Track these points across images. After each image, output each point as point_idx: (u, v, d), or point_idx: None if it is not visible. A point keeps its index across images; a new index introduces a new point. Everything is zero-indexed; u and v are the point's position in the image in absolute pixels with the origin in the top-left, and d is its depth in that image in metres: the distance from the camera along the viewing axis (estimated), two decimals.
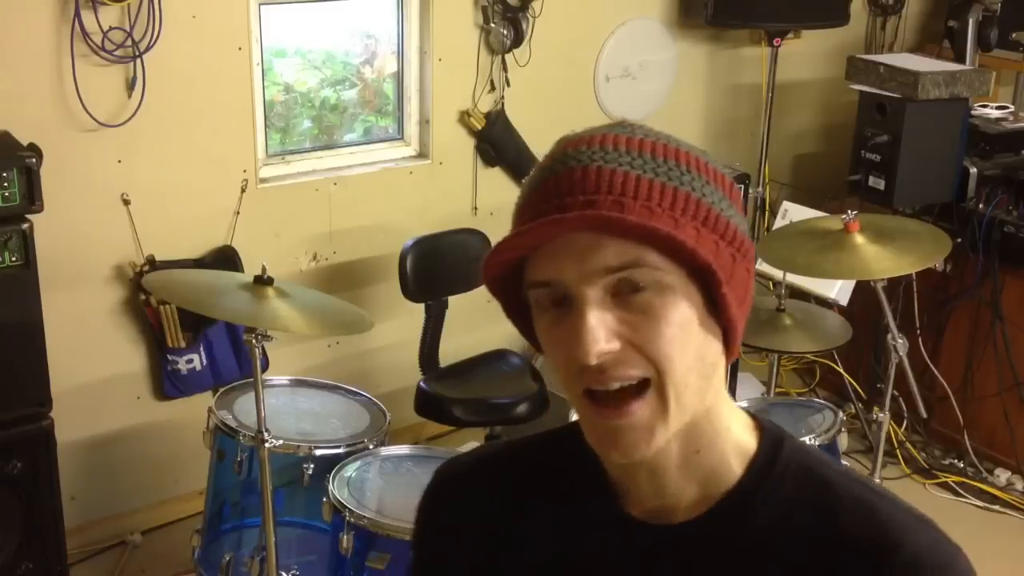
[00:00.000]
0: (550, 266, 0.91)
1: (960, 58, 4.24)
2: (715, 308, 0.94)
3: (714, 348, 0.95)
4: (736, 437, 1.01)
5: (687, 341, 0.92)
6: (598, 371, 0.91)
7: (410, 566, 1.19)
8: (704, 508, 0.99)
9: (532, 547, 1.06)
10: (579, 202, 0.90)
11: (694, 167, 0.94)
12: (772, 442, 1.02)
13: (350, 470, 2.68)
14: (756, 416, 1.04)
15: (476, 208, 3.94)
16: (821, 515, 0.96)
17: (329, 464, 2.69)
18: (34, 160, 2.72)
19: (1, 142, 2.85)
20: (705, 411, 0.97)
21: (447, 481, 1.16)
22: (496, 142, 3.89)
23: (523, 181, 0.98)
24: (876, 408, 3.16)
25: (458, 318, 3.63)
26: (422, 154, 3.88)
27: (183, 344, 3.33)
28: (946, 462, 3.99)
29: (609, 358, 0.90)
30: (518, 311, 1.00)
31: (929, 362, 3.95)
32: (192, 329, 3.35)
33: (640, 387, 0.92)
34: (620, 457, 0.94)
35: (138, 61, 3.11)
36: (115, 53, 3.07)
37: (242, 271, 3.35)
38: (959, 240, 3.70)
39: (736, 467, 1.00)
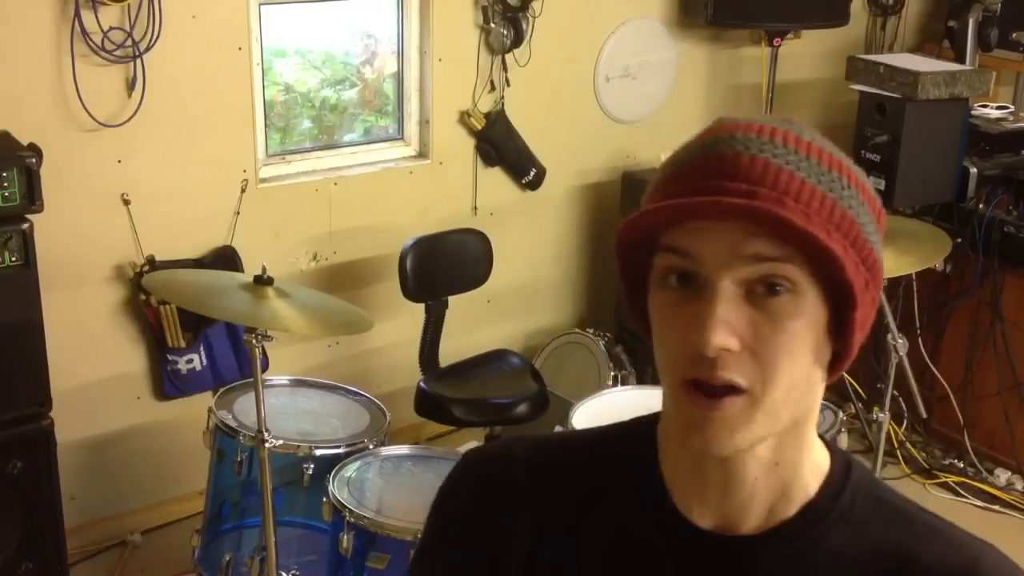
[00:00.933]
0: (696, 239, 0.88)
1: (960, 58, 4.24)
2: (836, 329, 0.92)
3: (820, 370, 0.93)
4: (816, 454, 1.00)
5: (800, 357, 0.90)
6: (709, 366, 0.88)
7: (420, 554, 1.12)
8: (774, 522, 0.97)
9: (587, 548, 1.02)
10: (740, 190, 0.87)
11: (854, 184, 0.92)
12: (843, 462, 1.01)
13: (350, 470, 2.69)
14: (822, 438, 1.03)
15: (476, 208, 3.94)
16: (894, 538, 0.97)
17: (329, 464, 2.69)
18: (34, 160, 2.72)
19: (1, 142, 2.85)
20: (794, 424, 0.95)
21: (483, 471, 1.09)
22: (496, 142, 3.89)
23: (676, 151, 0.96)
24: (876, 408, 3.16)
25: (458, 318, 3.63)
26: (422, 154, 3.88)
27: (183, 344, 3.33)
28: (946, 462, 3.99)
29: (723, 355, 0.88)
30: (633, 278, 0.97)
31: (929, 362, 3.95)
32: (192, 329, 3.35)
33: (740, 390, 0.90)
34: (702, 445, 0.91)
35: (138, 61, 3.11)
36: (115, 53, 3.07)
37: (242, 271, 3.35)
38: (959, 240, 3.70)
39: (812, 483, 0.98)
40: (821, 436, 1.02)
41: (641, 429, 1.04)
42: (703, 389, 0.89)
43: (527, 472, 1.07)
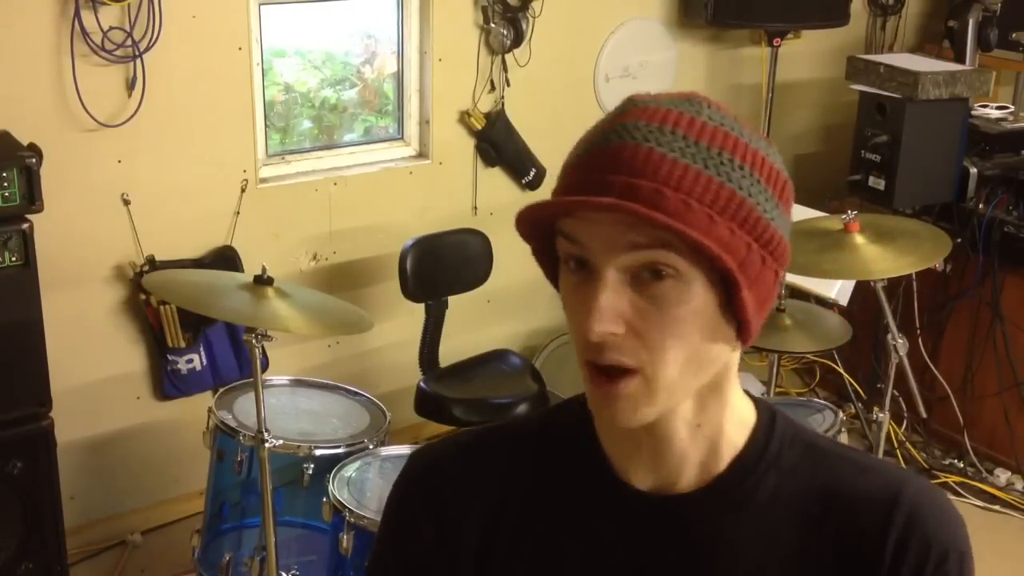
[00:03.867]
0: (584, 228, 0.93)
1: (960, 58, 4.24)
2: (731, 305, 0.95)
3: (719, 346, 0.97)
4: (739, 411, 1.05)
5: (687, 338, 0.94)
6: (597, 349, 0.94)
7: (375, 558, 1.15)
8: (707, 479, 1.03)
9: (536, 527, 1.07)
10: (620, 183, 0.91)
11: (749, 162, 0.94)
12: (768, 415, 1.07)
13: (350, 470, 2.69)
14: (748, 392, 1.09)
15: (476, 208, 3.94)
16: (820, 478, 1.03)
17: (329, 464, 2.69)
18: (34, 160, 2.72)
19: (1, 142, 2.85)
20: (712, 387, 1.00)
21: (432, 469, 1.13)
22: (496, 142, 3.89)
23: (586, 132, 1.00)
24: (876, 408, 3.16)
25: (458, 318, 3.63)
26: (422, 154, 3.88)
27: (183, 344, 3.33)
28: (946, 462, 3.99)
29: (610, 339, 0.93)
30: (547, 256, 1.01)
31: (929, 362, 3.95)
32: (192, 329, 3.35)
33: (632, 371, 0.95)
34: (610, 419, 0.97)
35: (138, 61, 3.11)
36: (115, 53, 3.07)
37: (242, 271, 3.35)
38: (959, 240, 3.70)
39: (738, 438, 1.04)
40: (746, 391, 1.07)
41: (579, 405, 1.07)
42: (601, 370, 0.95)
43: (474, 464, 1.11)
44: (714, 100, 0.98)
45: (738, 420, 1.04)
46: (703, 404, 1.01)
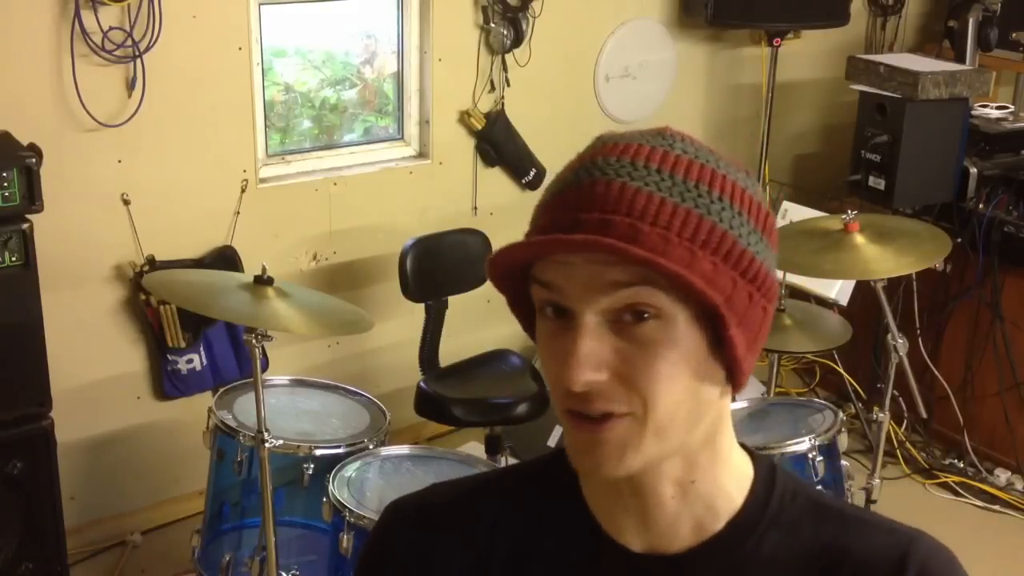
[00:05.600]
0: (559, 273, 0.88)
1: (960, 58, 4.24)
2: (720, 346, 0.90)
3: (710, 388, 0.92)
4: (736, 465, 0.99)
5: (677, 379, 0.88)
6: (581, 399, 0.88)
7: None
8: (704, 538, 0.97)
9: None
10: (594, 220, 0.86)
11: (727, 194, 0.89)
12: (767, 468, 1.01)
13: (350, 470, 2.68)
14: (744, 445, 1.03)
15: (476, 208, 3.94)
16: (825, 535, 0.97)
17: (329, 464, 2.69)
18: (34, 160, 2.72)
19: (1, 142, 2.85)
20: (704, 440, 0.95)
21: (411, 520, 1.07)
22: (496, 142, 3.89)
23: (558, 172, 0.95)
24: (876, 408, 3.16)
25: (458, 318, 3.63)
26: (422, 154, 3.88)
27: (183, 344, 3.33)
28: (946, 462, 3.99)
29: (595, 387, 0.87)
30: (523, 306, 0.97)
31: (929, 362, 3.95)
32: (192, 329, 3.35)
33: (621, 415, 0.89)
34: (590, 468, 0.91)
35: (138, 61, 3.11)
36: (115, 53, 3.07)
37: (242, 271, 3.35)
38: (959, 240, 3.70)
39: (736, 494, 0.98)
40: (742, 444, 1.02)
41: (562, 459, 1.00)
42: (585, 417, 0.89)
43: (455, 520, 1.05)
44: (686, 133, 0.94)
45: (735, 475, 0.99)
46: (695, 460, 0.95)
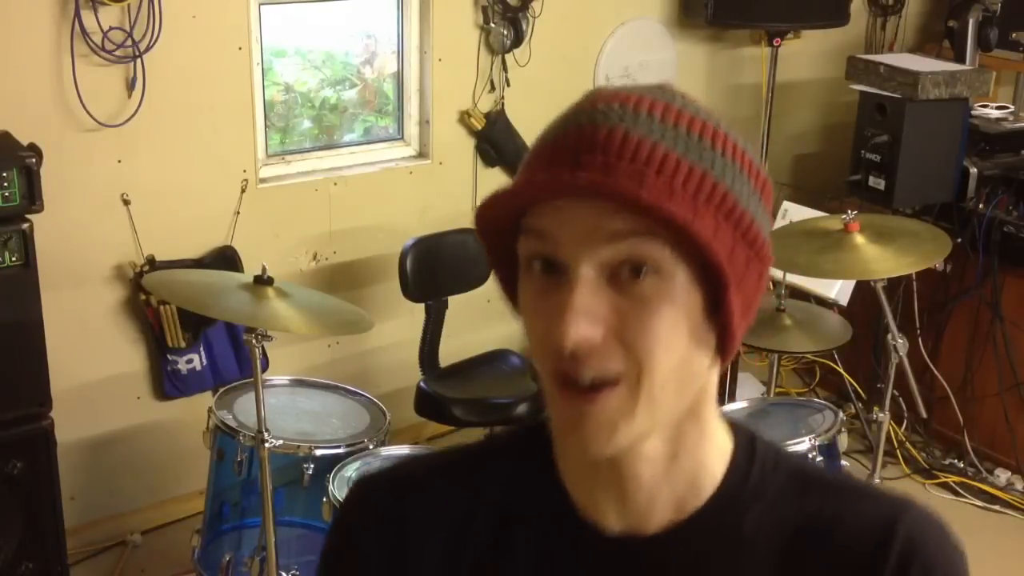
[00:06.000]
0: (554, 220, 0.83)
1: (960, 58, 4.24)
2: (715, 311, 0.85)
3: (703, 355, 0.87)
4: (718, 439, 0.95)
5: (674, 341, 0.84)
6: (572, 358, 0.82)
7: None
8: (684, 515, 0.93)
9: (492, 566, 0.96)
10: (596, 162, 0.81)
11: (730, 153, 0.85)
12: (747, 440, 0.97)
13: (350, 470, 2.69)
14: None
15: (476, 208, 3.93)
16: (810, 506, 0.93)
17: (329, 464, 2.69)
18: (34, 160, 2.72)
19: (1, 142, 2.85)
20: (689, 414, 0.90)
21: (382, 495, 1.01)
22: (496, 142, 3.89)
23: (547, 124, 0.90)
24: (876, 408, 3.16)
25: (458, 318, 3.63)
26: (422, 154, 3.88)
27: (183, 344, 3.33)
28: (946, 462, 3.99)
29: (587, 347, 0.82)
30: (504, 262, 0.91)
31: (929, 362, 3.95)
32: (192, 329, 3.35)
33: (614, 381, 0.84)
34: (580, 446, 0.86)
35: (138, 61, 3.11)
36: (115, 53, 3.07)
37: (242, 271, 3.35)
38: (959, 240, 3.70)
39: (717, 467, 0.94)
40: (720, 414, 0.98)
41: (538, 431, 0.97)
42: (575, 385, 0.84)
43: (431, 493, 1.00)
44: (685, 91, 0.88)
45: (717, 449, 0.94)
46: (680, 432, 0.90)
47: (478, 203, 3.83)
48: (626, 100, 0.85)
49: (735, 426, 0.98)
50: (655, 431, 0.89)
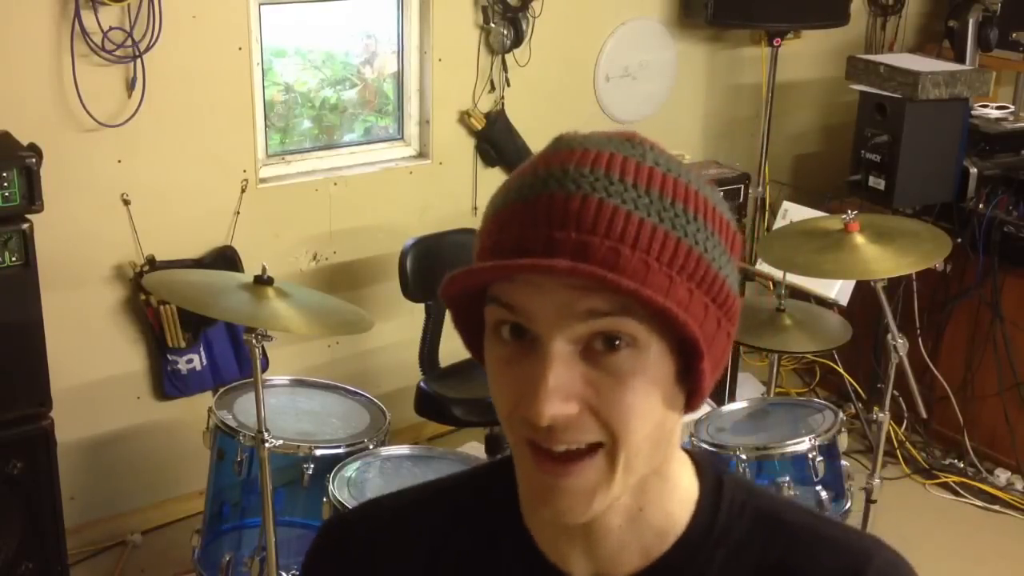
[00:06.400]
0: (525, 296, 0.82)
1: (960, 58, 4.24)
2: (687, 374, 0.86)
3: (675, 415, 0.88)
4: (682, 484, 0.95)
5: (651, 410, 0.83)
6: (546, 433, 0.82)
7: None
8: (652, 559, 0.92)
9: None
10: (571, 240, 0.79)
11: (701, 213, 0.84)
12: (713, 483, 0.96)
13: (350, 470, 2.68)
14: (690, 452, 0.98)
15: (476, 208, 3.94)
16: (775, 553, 0.93)
17: (329, 464, 2.69)
18: (34, 160, 2.72)
19: (1, 142, 2.85)
20: (655, 469, 0.90)
21: (349, 536, 1.03)
22: (496, 142, 3.89)
23: (512, 175, 0.88)
24: (876, 408, 3.16)
25: None
26: (422, 154, 3.88)
27: (183, 344, 3.33)
28: (946, 462, 3.99)
29: (563, 421, 0.81)
30: (468, 323, 0.90)
31: (929, 362, 3.95)
32: (192, 329, 3.35)
33: (589, 449, 0.83)
34: (552, 517, 0.86)
35: (138, 61, 3.11)
36: (115, 53, 3.07)
37: (242, 271, 3.35)
38: (959, 240, 3.70)
39: (681, 516, 0.94)
40: (688, 452, 0.98)
41: (503, 469, 0.96)
42: (549, 453, 0.83)
43: (397, 535, 1.01)
44: (653, 140, 0.87)
45: (681, 497, 0.94)
46: (644, 488, 0.90)
47: (478, 203, 3.83)
48: (597, 162, 0.82)
49: (702, 468, 0.97)
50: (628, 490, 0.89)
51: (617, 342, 0.81)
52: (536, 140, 3.95)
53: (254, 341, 2.53)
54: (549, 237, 0.80)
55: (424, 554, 0.99)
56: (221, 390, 2.98)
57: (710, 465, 0.98)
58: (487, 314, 0.86)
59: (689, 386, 0.87)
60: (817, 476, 2.77)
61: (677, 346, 0.84)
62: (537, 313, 0.81)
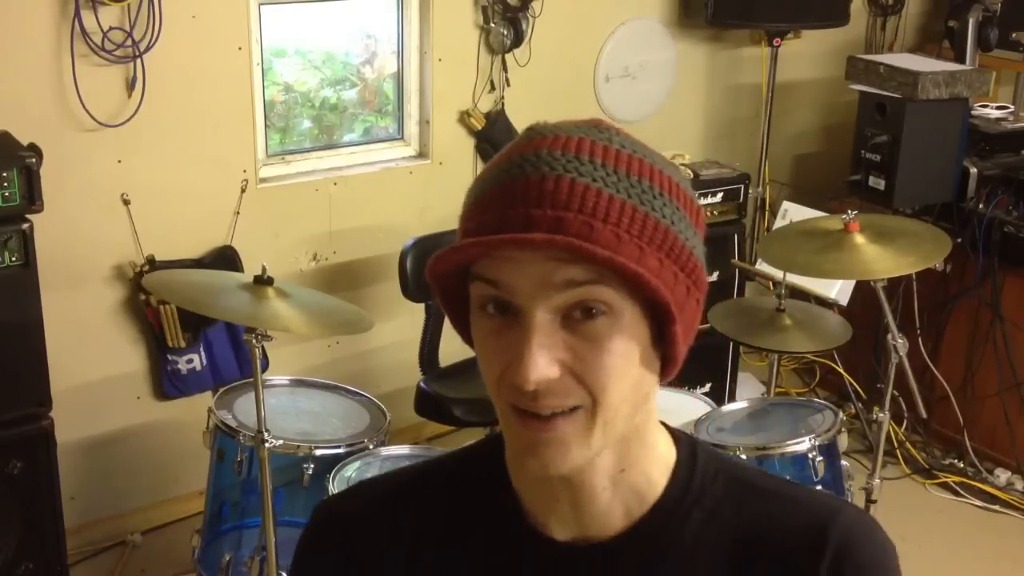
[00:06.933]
0: (506, 270, 0.88)
1: (960, 58, 4.24)
2: (661, 338, 0.93)
3: (651, 378, 0.94)
4: (660, 449, 1.01)
5: (627, 372, 0.90)
6: (531, 397, 0.88)
7: None
8: (631, 522, 0.98)
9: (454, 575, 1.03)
10: (547, 217, 0.86)
11: (666, 190, 0.91)
12: (688, 449, 1.03)
13: (350, 470, 2.68)
14: (665, 424, 1.04)
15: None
16: (749, 512, 0.99)
17: (329, 464, 2.69)
18: (34, 160, 2.72)
19: (1, 142, 2.85)
20: (634, 430, 0.96)
21: (339, 522, 1.09)
22: (496, 142, 3.89)
23: (487, 165, 0.94)
24: (876, 408, 3.16)
25: None
26: (422, 154, 3.88)
27: (183, 344, 3.33)
28: (946, 462, 3.99)
29: (547, 385, 0.88)
30: (455, 303, 0.96)
31: (929, 362, 3.95)
32: (192, 329, 3.35)
33: (572, 411, 0.90)
34: (537, 468, 0.92)
35: (138, 61, 3.11)
36: (115, 53, 3.07)
37: (242, 271, 3.35)
38: (959, 240, 3.70)
39: (660, 478, 1.00)
40: (664, 424, 1.04)
41: (494, 448, 1.03)
42: (535, 416, 0.90)
43: (383, 516, 1.06)
44: (618, 126, 0.95)
45: (659, 460, 1.00)
46: (625, 448, 0.96)
47: None
48: (567, 146, 0.89)
49: (678, 436, 1.04)
50: (608, 447, 0.94)
51: (594, 311, 0.88)
52: None
53: (254, 341, 2.53)
54: (527, 215, 0.87)
55: (408, 536, 1.04)
56: (221, 390, 2.98)
57: (685, 435, 1.04)
58: (472, 291, 0.92)
59: (664, 351, 0.94)
60: (817, 476, 2.77)
61: (651, 311, 0.90)
62: (518, 286, 0.87)
